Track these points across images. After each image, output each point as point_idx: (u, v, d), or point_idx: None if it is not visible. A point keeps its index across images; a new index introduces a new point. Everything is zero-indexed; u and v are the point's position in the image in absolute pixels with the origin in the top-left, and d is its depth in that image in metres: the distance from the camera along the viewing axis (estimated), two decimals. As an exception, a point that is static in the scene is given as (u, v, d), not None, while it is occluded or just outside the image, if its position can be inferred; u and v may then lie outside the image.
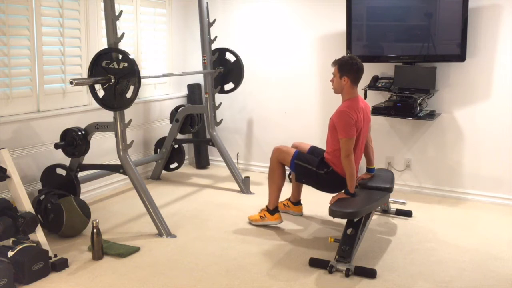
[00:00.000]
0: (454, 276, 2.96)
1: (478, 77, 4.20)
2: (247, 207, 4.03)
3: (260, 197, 4.23)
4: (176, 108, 4.97)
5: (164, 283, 2.85)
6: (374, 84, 4.38)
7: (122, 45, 3.49)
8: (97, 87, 3.43)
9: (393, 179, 3.69)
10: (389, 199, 3.81)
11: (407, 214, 3.94)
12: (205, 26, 4.64)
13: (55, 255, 3.05)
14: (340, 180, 3.38)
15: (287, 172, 3.90)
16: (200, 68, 4.83)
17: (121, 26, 4.39)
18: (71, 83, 3.15)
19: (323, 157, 3.50)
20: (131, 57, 3.32)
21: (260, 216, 3.72)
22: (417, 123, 4.44)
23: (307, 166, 3.51)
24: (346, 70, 3.33)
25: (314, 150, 3.74)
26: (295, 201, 3.97)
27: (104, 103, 3.44)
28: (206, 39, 4.64)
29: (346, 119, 3.26)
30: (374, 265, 3.06)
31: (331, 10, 4.64)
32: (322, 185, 3.53)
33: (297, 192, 3.94)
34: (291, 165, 3.56)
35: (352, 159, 3.24)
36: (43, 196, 3.52)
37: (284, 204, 3.93)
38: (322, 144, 3.64)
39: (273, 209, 3.69)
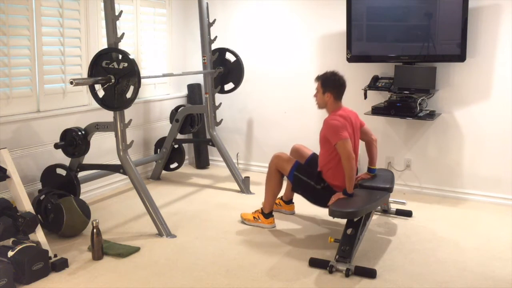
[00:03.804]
0: (454, 276, 2.96)
1: (478, 77, 4.20)
2: (247, 207, 4.03)
3: (260, 197, 4.21)
4: (176, 108, 4.97)
5: (164, 283, 2.85)
6: (374, 84, 4.38)
7: (122, 45, 3.49)
8: (97, 87, 3.43)
9: (393, 179, 3.69)
10: (389, 199, 3.81)
11: (407, 214, 3.94)
12: (205, 26, 4.64)
13: (55, 255, 3.05)
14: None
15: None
16: (200, 68, 4.83)
17: (121, 26, 4.39)
18: (71, 83, 3.15)
19: (320, 172, 3.49)
20: (131, 57, 3.32)
21: (254, 217, 3.72)
22: (417, 123, 4.44)
23: (306, 180, 3.48)
24: (329, 86, 3.40)
25: (314, 158, 3.71)
26: (287, 200, 3.98)
27: (104, 103, 3.44)
28: (206, 39, 4.64)
29: (334, 124, 3.30)
30: (374, 265, 3.06)
31: (331, 10, 4.64)
32: (317, 200, 3.53)
33: (290, 191, 3.94)
34: (290, 175, 3.54)
35: (353, 161, 3.23)
36: (43, 196, 3.52)
37: (276, 203, 3.91)
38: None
39: (268, 213, 3.70)
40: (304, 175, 3.50)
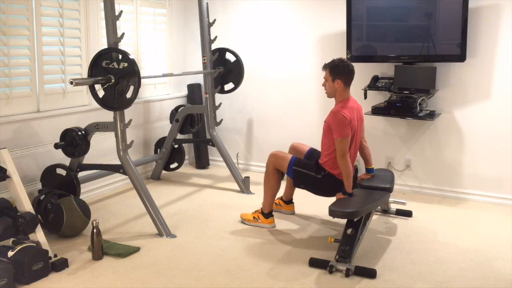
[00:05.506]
0: (454, 276, 2.96)
1: (478, 77, 4.20)
2: (247, 207, 4.03)
3: (260, 197, 4.21)
4: (176, 108, 4.97)
5: (164, 283, 2.85)
6: (374, 84, 4.38)
7: (122, 45, 3.49)
8: (97, 87, 3.43)
9: (393, 179, 3.69)
10: (389, 199, 3.80)
11: (407, 214, 3.94)
12: (205, 26, 4.64)
13: (55, 255, 3.05)
14: (337, 182, 3.37)
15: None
16: (200, 68, 4.83)
17: (121, 26, 4.39)
18: (71, 83, 3.15)
19: (317, 161, 3.49)
20: (131, 57, 3.32)
21: (254, 217, 3.72)
22: (417, 123, 4.44)
23: (305, 172, 3.49)
24: (338, 72, 3.36)
25: (313, 152, 3.73)
26: (287, 200, 3.98)
27: (104, 103, 3.44)
28: (206, 39, 4.64)
29: (340, 119, 3.26)
30: (374, 265, 3.06)
31: (331, 10, 4.64)
32: (320, 190, 3.53)
33: (290, 191, 3.95)
34: (289, 171, 3.54)
35: (348, 159, 3.25)
36: (43, 196, 3.52)
37: (276, 203, 3.92)
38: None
39: (267, 213, 3.70)
40: (303, 168, 3.50)
